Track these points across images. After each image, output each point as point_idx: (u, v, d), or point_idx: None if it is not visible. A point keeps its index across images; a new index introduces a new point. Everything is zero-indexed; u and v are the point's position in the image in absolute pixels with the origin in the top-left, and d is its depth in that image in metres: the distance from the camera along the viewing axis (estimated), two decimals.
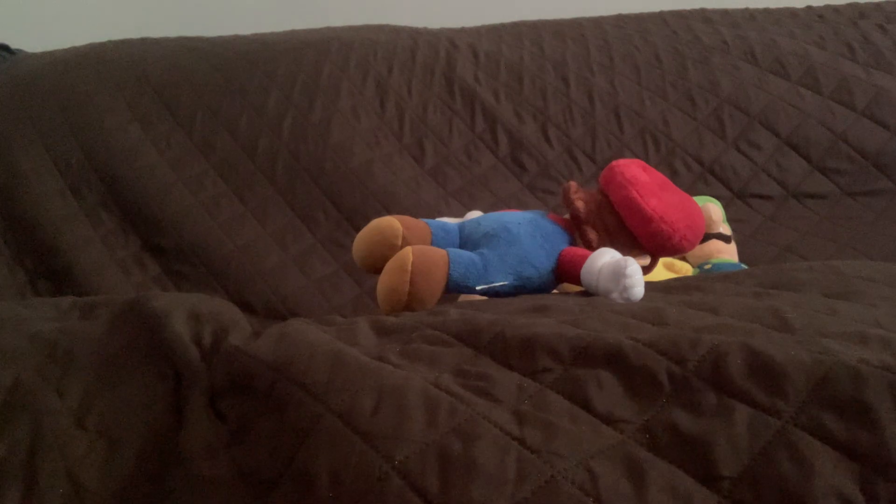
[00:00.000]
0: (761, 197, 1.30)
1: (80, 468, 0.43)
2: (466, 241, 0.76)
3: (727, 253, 1.01)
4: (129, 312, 0.58)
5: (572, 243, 0.76)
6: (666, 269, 1.00)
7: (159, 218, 1.20)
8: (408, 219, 0.75)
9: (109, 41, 1.49)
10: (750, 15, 1.61)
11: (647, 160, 1.32)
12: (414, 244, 0.70)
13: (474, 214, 0.85)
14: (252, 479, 0.42)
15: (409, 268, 0.66)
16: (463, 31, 1.61)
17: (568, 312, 0.57)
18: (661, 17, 1.61)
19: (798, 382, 0.38)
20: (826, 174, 1.31)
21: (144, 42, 1.48)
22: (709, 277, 0.81)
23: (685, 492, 0.35)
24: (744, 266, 0.99)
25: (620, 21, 1.61)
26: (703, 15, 1.61)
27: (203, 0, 1.81)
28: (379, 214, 0.77)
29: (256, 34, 1.56)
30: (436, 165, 1.32)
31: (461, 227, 0.79)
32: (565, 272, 0.72)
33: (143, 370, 0.51)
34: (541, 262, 0.72)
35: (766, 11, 1.63)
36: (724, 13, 1.62)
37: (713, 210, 0.98)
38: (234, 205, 1.24)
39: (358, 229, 0.76)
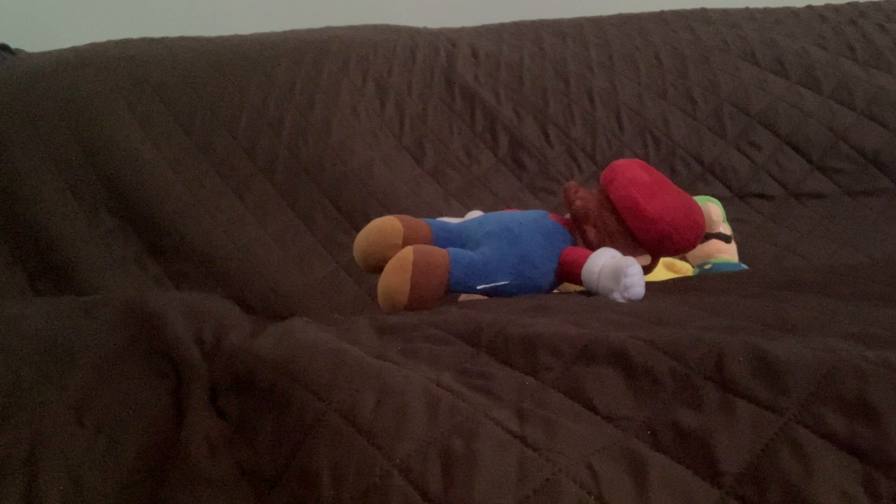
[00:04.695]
0: (761, 197, 1.30)
1: (81, 465, 0.43)
2: (467, 240, 0.76)
3: (727, 253, 1.01)
4: (130, 311, 0.58)
5: (573, 243, 0.76)
6: (666, 269, 1.00)
7: (159, 218, 1.20)
8: (408, 218, 0.75)
9: (109, 41, 1.49)
10: (750, 15, 1.61)
11: (647, 160, 1.32)
12: (414, 244, 0.70)
13: (475, 214, 0.85)
14: (253, 477, 0.42)
15: (410, 267, 0.66)
16: (463, 31, 1.61)
17: (569, 312, 0.57)
18: (661, 17, 1.61)
19: (800, 380, 0.38)
20: (826, 174, 1.31)
21: (144, 42, 1.48)
22: (709, 277, 0.81)
23: (687, 488, 0.35)
24: (744, 266, 0.99)
25: (620, 21, 1.61)
26: (703, 15, 1.61)
27: (203, 0, 1.81)
28: (379, 214, 0.77)
29: (256, 34, 1.56)
30: (436, 165, 1.32)
31: (462, 226, 0.79)
32: (566, 272, 0.72)
33: (143, 368, 0.51)
34: (542, 262, 0.72)
35: (766, 11, 1.63)
36: (724, 13, 1.62)
37: (713, 210, 0.98)
38: (234, 205, 1.23)
39: (358, 229, 0.76)
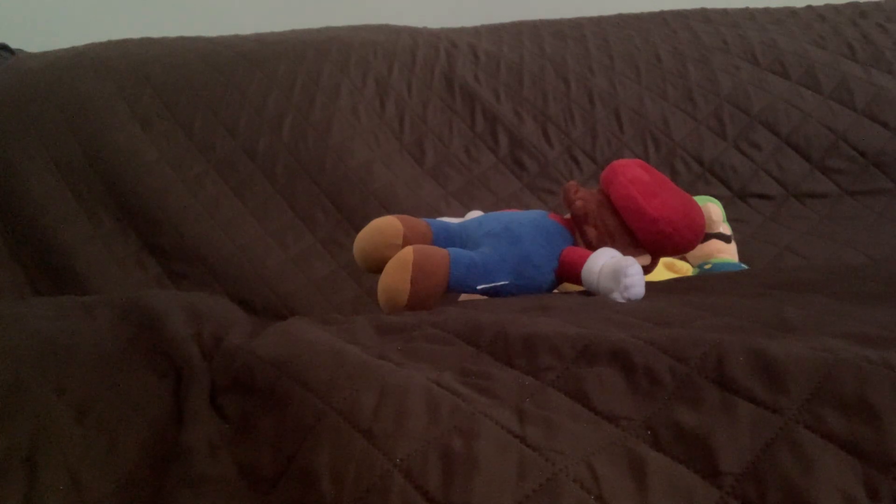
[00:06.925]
0: (761, 197, 1.30)
1: (81, 465, 0.43)
2: (467, 240, 0.76)
3: (727, 253, 1.01)
4: (130, 311, 0.58)
5: (573, 243, 0.76)
6: (666, 269, 1.00)
7: (159, 218, 1.20)
8: (408, 218, 0.75)
9: (109, 41, 1.49)
10: (750, 15, 1.61)
11: (647, 160, 1.32)
12: (414, 244, 0.70)
13: (475, 214, 0.85)
14: (253, 476, 0.42)
15: (410, 267, 0.66)
16: (463, 31, 1.61)
17: (569, 312, 0.57)
18: (661, 17, 1.61)
19: (800, 380, 0.38)
20: (826, 174, 1.31)
21: (144, 42, 1.48)
22: (709, 277, 0.81)
23: (687, 488, 0.35)
24: (744, 266, 0.99)
25: (620, 21, 1.61)
26: (703, 15, 1.61)
27: (203, 0, 1.81)
28: (379, 214, 0.77)
29: (256, 34, 1.56)
30: (436, 165, 1.32)
31: (462, 226, 0.79)
32: (566, 272, 0.72)
33: (143, 368, 0.51)
34: (542, 262, 0.72)
35: (766, 11, 1.63)
36: (724, 13, 1.62)
37: (713, 210, 0.98)
38: (234, 205, 1.23)
39: (358, 229, 0.76)
